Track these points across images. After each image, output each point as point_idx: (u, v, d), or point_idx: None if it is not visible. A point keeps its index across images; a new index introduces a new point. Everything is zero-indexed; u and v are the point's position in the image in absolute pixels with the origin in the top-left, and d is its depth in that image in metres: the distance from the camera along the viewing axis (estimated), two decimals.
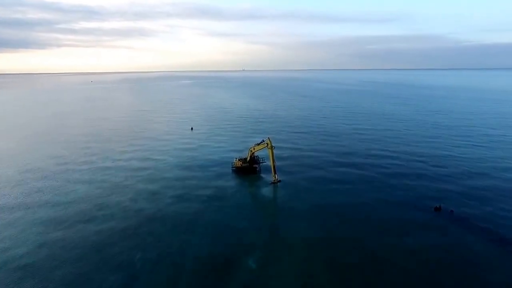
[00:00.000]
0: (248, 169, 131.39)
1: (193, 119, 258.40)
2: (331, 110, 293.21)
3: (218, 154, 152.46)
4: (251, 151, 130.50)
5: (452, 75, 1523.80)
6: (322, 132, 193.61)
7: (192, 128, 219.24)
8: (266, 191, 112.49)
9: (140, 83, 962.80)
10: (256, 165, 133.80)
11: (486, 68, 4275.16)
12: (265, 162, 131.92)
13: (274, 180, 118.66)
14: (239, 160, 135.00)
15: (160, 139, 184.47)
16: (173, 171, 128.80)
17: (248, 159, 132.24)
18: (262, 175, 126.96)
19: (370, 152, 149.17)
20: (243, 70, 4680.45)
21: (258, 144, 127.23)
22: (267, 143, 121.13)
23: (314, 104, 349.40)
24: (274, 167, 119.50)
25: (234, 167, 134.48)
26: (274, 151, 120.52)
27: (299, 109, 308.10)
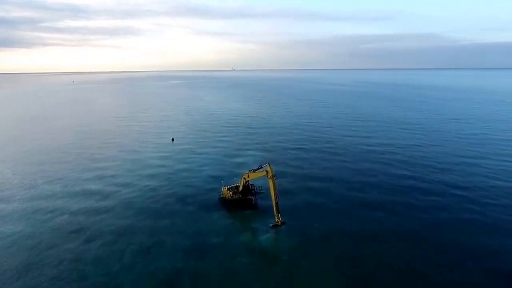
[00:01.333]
0: (241, 201, 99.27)
1: (175, 127, 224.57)
2: (334, 117, 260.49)
3: (200, 179, 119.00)
4: (244, 178, 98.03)
5: (452, 75, 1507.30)
6: (327, 149, 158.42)
7: (173, 139, 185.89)
8: (267, 240, 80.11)
9: (126, 84, 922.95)
10: (252, 197, 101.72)
11: (485, 68, 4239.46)
12: (263, 192, 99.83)
13: (277, 222, 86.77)
14: (228, 189, 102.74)
15: (129, 157, 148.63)
16: (135, 213, 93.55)
17: (241, 188, 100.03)
18: (260, 210, 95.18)
19: (396, 182, 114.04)
20: (233, 69, 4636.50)
21: (255, 171, 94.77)
22: (267, 171, 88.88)
23: (312, 108, 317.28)
24: (276, 204, 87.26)
25: (221, 196, 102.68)
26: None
27: (296, 115, 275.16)
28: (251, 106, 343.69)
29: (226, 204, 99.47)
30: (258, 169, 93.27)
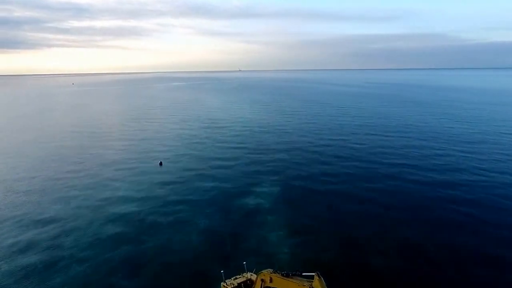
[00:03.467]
0: None
1: (168, 143, 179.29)
2: (364, 131, 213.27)
3: (187, 256, 72.02)
4: (263, 281, 52.22)
5: (465, 75, 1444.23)
6: (375, 200, 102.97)
7: (161, 163, 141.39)
8: None
9: (127, 86, 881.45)
10: None
11: (495, 67, 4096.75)
12: None
13: None
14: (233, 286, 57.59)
15: (86, 212, 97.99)
16: None
17: None
18: None
19: None
20: (240, 70, 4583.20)
21: (285, 276, 48.47)
22: None
23: (333, 118, 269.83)
24: None
25: None
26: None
27: (316, 127, 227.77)
28: (259, 112, 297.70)
29: None
30: (294, 274, 47.68)
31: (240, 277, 58.97)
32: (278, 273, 48.97)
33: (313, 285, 41.84)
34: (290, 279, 46.37)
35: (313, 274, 42.80)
